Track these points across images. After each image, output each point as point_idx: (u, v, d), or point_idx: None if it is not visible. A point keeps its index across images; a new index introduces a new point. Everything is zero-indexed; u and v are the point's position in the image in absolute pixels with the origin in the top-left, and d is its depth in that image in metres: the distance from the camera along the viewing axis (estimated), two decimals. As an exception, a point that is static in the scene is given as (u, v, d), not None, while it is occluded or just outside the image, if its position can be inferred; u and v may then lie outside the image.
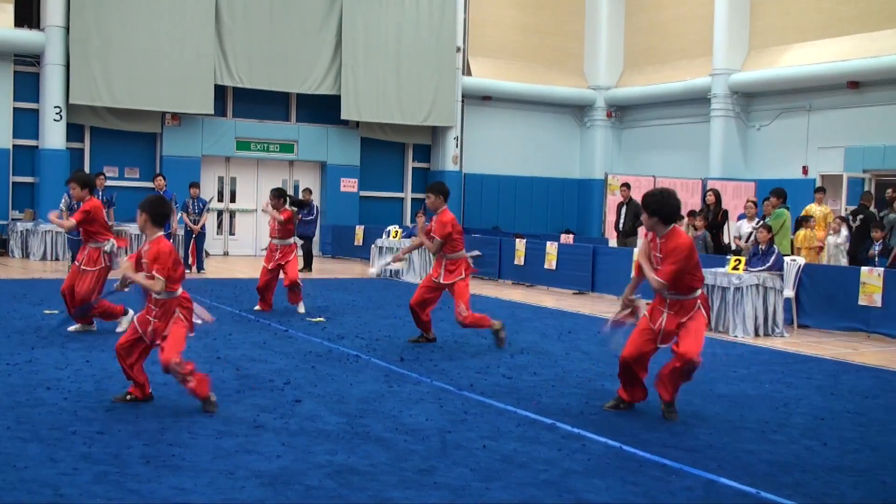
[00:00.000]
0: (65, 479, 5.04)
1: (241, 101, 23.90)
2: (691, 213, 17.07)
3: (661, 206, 6.97)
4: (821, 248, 16.04)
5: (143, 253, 6.72)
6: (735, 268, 12.29)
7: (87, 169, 21.17)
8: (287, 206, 12.69)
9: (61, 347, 9.11)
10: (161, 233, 6.85)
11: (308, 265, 19.75)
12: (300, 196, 20.68)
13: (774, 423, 7.04)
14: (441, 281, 10.03)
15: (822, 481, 5.58)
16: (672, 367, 6.94)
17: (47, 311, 11.56)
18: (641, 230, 18.75)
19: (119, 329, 9.94)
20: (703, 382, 8.52)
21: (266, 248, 12.92)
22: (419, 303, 10.10)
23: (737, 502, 5.15)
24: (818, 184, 20.27)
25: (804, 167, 22.42)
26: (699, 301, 7.01)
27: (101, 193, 17.68)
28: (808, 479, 5.62)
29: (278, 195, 12.81)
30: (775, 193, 15.25)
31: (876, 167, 20.67)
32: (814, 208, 17.00)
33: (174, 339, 6.64)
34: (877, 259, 13.86)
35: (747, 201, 16.20)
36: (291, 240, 12.73)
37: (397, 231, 19.32)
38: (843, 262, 15.16)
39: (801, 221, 16.34)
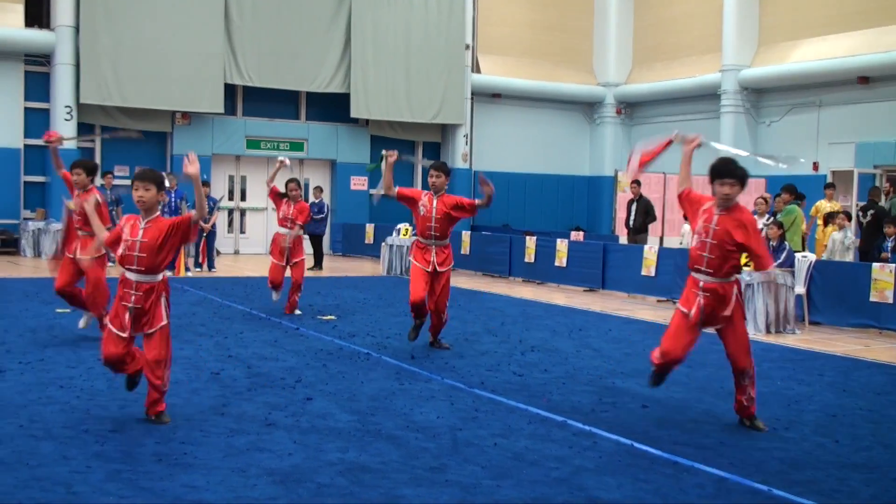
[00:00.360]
0: (77, 476, 5.06)
1: (250, 100, 23.94)
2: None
3: (745, 172, 6.58)
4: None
5: (144, 231, 6.20)
6: (746, 264, 12.23)
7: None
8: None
9: (73, 346, 9.14)
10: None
11: (319, 263, 19.79)
12: (311, 194, 20.73)
13: (786, 420, 7.02)
14: (438, 269, 9.42)
15: (834, 478, 5.56)
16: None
17: (59, 311, 11.59)
18: (652, 227, 18.83)
19: (82, 324, 9.71)
20: (714, 380, 8.51)
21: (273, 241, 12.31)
22: (424, 297, 9.35)
23: (748, 500, 5.14)
24: (829, 180, 20.21)
25: (815, 163, 22.34)
26: (735, 287, 6.62)
27: (108, 193, 17.72)
28: (819, 476, 5.60)
29: (299, 185, 12.42)
30: (787, 190, 15.21)
31: (887, 162, 20.58)
32: (824, 204, 16.95)
33: (166, 341, 6.27)
34: (890, 255, 13.79)
35: (758, 198, 16.14)
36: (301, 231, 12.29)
37: (407, 229, 19.32)
38: (849, 258, 15.09)
39: (828, 218, 16.28)
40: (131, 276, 6.24)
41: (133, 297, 6.20)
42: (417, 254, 9.52)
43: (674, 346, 6.56)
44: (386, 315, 12.44)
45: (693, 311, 6.55)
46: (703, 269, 6.58)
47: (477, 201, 9.46)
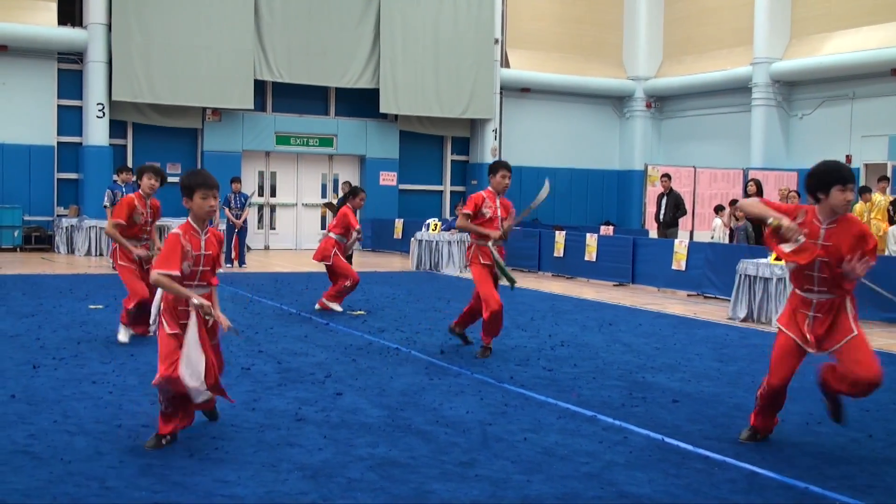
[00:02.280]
0: (111, 471, 5.10)
1: (280, 96, 24.04)
2: (733, 203, 16.94)
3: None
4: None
5: (207, 243, 5.78)
6: (778, 258, 12.15)
7: (129, 165, 21.40)
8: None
9: (106, 342, 9.22)
10: None
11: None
12: (339, 190, 20.79)
13: (818, 414, 6.94)
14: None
15: (868, 473, 5.51)
16: (847, 390, 5.81)
17: (92, 307, 11.71)
18: (682, 221, 18.72)
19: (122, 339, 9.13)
20: (746, 374, 8.45)
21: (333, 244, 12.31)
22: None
23: (781, 495, 5.10)
24: (862, 173, 20.02)
25: (847, 156, 22.13)
26: (847, 295, 5.82)
27: (123, 189, 17.65)
28: (853, 471, 5.55)
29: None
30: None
31: (921, 155, 20.39)
32: (878, 197, 16.77)
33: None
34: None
35: (789, 192, 16.02)
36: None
37: (437, 224, 19.34)
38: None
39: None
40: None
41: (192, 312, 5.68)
42: (488, 250, 8.91)
43: (777, 376, 5.92)
44: (415, 310, 12.45)
45: (801, 335, 5.83)
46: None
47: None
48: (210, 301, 5.76)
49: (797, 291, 5.88)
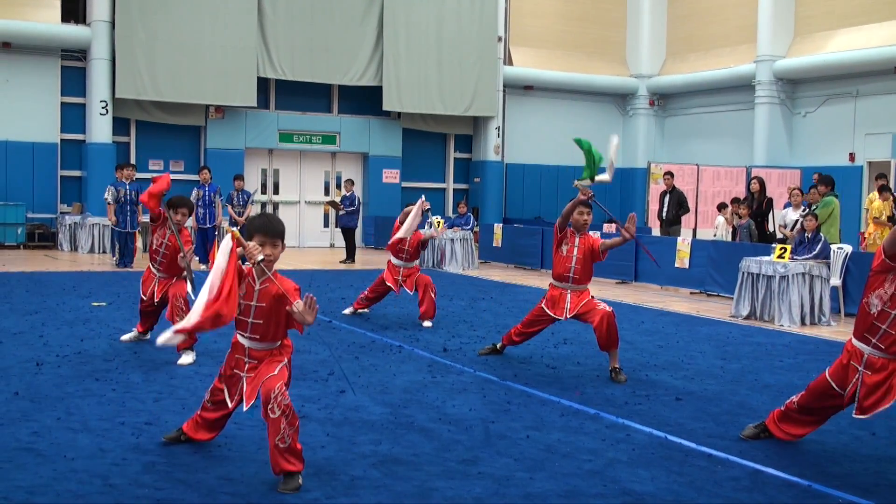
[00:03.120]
0: (114, 469, 5.11)
1: (283, 94, 24.04)
2: (735, 201, 16.92)
3: None
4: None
5: (260, 294, 5.16)
6: (780, 256, 12.15)
7: (133, 162, 21.38)
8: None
9: (109, 339, 9.23)
10: None
11: (351, 256, 19.84)
12: (342, 187, 20.79)
13: (822, 413, 6.95)
14: (570, 315, 8.44)
15: (872, 472, 5.51)
16: None
17: (95, 304, 11.72)
18: (685, 219, 18.70)
19: (185, 361, 8.08)
20: (749, 372, 8.45)
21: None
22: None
23: (784, 493, 5.10)
24: (866, 171, 19.99)
25: (851, 154, 22.11)
26: None
27: (127, 186, 17.48)
28: (857, 469, 5.55)
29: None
30: (823, 181, 15.04)
31: (925, 153, 20.36)
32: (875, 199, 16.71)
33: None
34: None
35: (794, 189, 16.00)
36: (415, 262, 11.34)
37: (440, 222, 19.32)
38: None
39: None
40: (244, 341, 5.33)
41: (247, 366, 5.34)
42: (549, 301, 8.57)
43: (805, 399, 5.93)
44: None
45: (847, 389, 5.62)
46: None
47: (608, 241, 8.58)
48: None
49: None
